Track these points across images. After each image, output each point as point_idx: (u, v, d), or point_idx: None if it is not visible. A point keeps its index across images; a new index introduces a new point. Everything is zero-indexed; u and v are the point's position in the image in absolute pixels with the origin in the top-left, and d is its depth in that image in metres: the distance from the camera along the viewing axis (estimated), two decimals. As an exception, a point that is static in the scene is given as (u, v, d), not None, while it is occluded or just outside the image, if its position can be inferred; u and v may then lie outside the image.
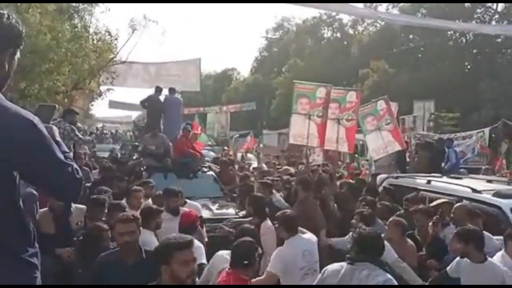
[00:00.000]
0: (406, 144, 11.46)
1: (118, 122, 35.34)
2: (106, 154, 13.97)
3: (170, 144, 9.46)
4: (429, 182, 6.60)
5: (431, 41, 30.54)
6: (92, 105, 25.16)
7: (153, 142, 9.36)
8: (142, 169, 9.01)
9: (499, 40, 27.18)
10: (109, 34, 15.76)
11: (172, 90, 11.30)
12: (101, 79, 15.91)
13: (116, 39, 15.96)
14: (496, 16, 31.17)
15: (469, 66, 32.08)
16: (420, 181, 6.90)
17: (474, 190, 5.64)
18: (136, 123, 28.94)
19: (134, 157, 10.81)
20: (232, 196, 8.80)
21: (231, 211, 7.79)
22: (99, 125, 32.00)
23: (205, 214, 7.26)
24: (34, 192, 4.35)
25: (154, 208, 4.93)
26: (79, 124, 15.04)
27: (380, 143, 9.34)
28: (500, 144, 12.90)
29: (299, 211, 5.24)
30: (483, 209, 5.18)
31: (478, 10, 31.83)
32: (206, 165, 10.16)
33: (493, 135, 13.46)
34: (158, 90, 11.05)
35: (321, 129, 9.46)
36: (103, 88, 17.55)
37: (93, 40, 15.33)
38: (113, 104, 23.48)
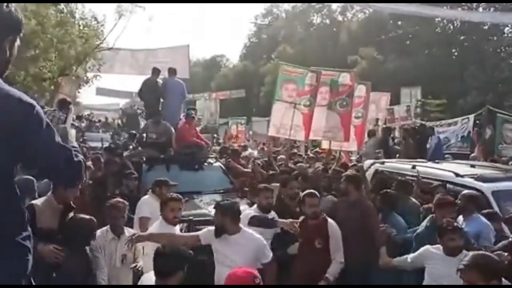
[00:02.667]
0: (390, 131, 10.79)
1: (106, 109, 35.01)
2: (96, 144, 13.66)
3: (173, 132, 8.48)
4: (413, 167, 6.71)
5: (419, 28, 30.64)
6: (79, 92, 24.84)
7: (155, 129, 8.39)
8: (142, 160, 7.92)
9: (485, 27, 27.40)
10: (96, 20, 15.60)
11: (172, 72, 9.92)
12: (88, 65, 15.75)
13: (102, 25, 15.80)
14: (483, 4, 31.35)
15: (456, 53, 32.31)
16: (405, 166, 7.01)
17: (457, 175, 5.77)
18: (124, 111, 28.79)
19: (131, 147, 9.87)
20: (244, 190, 7.51)
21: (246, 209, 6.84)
22: (87, 112, 31.63)
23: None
24: (31, 178, 4.43)
25: None
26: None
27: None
28: (484, 131, 13.06)
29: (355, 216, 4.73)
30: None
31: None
32: (212, 155, 9.08)
33: (477, 122, 13.63)
34: (156, 72, 9.88)
35: (307, 120, 8.35)
36: (90, 74, 17.38)
37: (79, 26, 15.15)
38: (100, 91, 23.27)
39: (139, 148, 8.77)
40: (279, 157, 9.65)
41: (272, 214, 4.81)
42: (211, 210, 6.25)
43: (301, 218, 4.58)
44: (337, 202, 5.43)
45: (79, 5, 15.49)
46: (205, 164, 8.23)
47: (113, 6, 16.08)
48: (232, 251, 3.77)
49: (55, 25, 12.58)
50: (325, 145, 9.58)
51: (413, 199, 5.60)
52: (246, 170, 8.44)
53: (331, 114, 8.26)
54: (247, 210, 4.33)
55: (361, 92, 8.72)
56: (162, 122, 8.47)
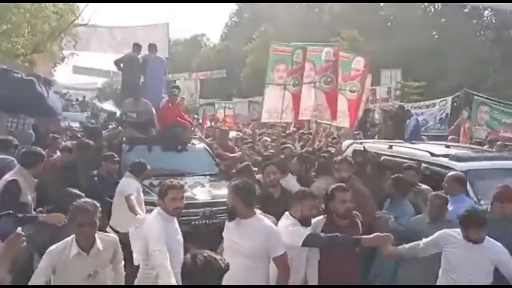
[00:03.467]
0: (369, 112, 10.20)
1: (83, 88, 34.31)
2: (74, 124, 13.30)
3: (154, 111, 8.11)
4: (390, 147, 6.78)
5: (400, 10, 30.70)
6: (54, 70, 24.24)
7: (134, 108, 7.97)
8: (122, 141, 7.62)
9: (466, 10, 27.62)
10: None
11: (152, 48, 9.33)
12: (63, 42, 15.31)
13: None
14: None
15: (436, 36, 32.54)
16: (383, 146, 7.08)
17: (432, 154, 5.86)
18: (101, 90, 28.29)
19: (110, 127, 9.45)
20: (230, 173, 7.01)
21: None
22: (64, 91, 30.92)
23: (201, 195, 6.29)
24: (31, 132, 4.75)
25: None
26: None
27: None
28: (461, 113, 13.28)
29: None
30: (441, 172, 5.39)
31: (447, -20, 32.14)
32: (196, 136, 8.69)
33: (455, 103, 13.86)
34: (137, 48, 9.33)
35: (296, 101, 7.88)
36: (66, 52, 16.92)
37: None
38: (77, 70, 22.68)
39: (119, 128, 8.40)
40: (262, 139, 9.30)
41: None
42: (195, 193, 6.26)
43: (322, 216, 3.98)
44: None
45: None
46: (189, 145, 7.91)
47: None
48: (239, 235, 3.45)
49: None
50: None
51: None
52: (234, 155, 7.95)
53: (317, 92, 7.80)
54: (283, 221, 3.74)
55: (358, 65, 8.02)
56: (142, 100, 8.06)
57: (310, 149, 7.49)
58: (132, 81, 8.88)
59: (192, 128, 8.92)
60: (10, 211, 3.99)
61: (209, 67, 36.41)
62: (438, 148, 6.48)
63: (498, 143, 9.72)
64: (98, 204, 3.32)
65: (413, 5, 30.84)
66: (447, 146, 6.76)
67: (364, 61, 8.12)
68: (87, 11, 15.91)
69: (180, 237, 3.85)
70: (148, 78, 8.96)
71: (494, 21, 26.51)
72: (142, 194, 5.41)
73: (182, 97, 9.42)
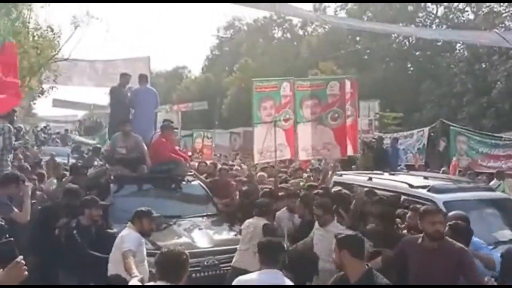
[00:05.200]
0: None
1: (64, 121, 34.01)
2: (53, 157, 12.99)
3: (145, 147, 7.49)
4: (370, 179, 6.88)
5: (376, 44, 31.61)
6: (34, 103, 24.04)
7: (123, 143, 7.35)
8: (109, 180, 6.93)
9: (439, 43, 28.58)
10: (51, 30, 15.15)
11: (143, 79, 8.73)
12: (43, 76, 15.26)
13: (59, 36, 15.36)
14: (437, 20, 32.75)
15: (411, 68, 33.49)
16: (362, 178, 7.18)
17: (411, 186, 5.97)
18: (81, 122, 28.05)
19: (96, 163, 8.98)
20: (230, 212, 6.77)
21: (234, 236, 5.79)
22: (43, 124, 30.55)
23: (201, 242, 5.56)
24: None
25: None
26: (20, 124, 14.32)
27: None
28: (438, 143, 13.60)
29: None
30: (419, 204, 5.47)
31: (420, 14, 33.32)
32: (191, 172, 7.95)
33: (432, 134, 14.19)
34: (125, 79, 8.68)
35: (290, 136, 7.52)
36: (45, 86, 16.82)
37: (34, 36, 14.67)
38: (57, 103, 22.55)
39: (107, 165, 7.72)
40: (259, 174, 8.83)
41: None
42: (195, 239, 5.57)
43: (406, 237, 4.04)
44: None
45: (33, 15, 15.04)
46: (183, 182, 7.32)
47: (69, 17, 15.74)
48: None
49: (7, 35, 12.09)
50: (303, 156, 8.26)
51: None
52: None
53: (323, 129, 7.39)
54: None
55: (333, 90, 7.68)
56: (132, 135, 7.47)
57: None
58: (121, 114, 8.36)
59: (188, 164, 8.27)
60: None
61: (190, 99, 36.58)
62: (416, 179, 6.61)
63: (468, 172, 10.01)
64: None
65: (388, 38, 31.83)
66: (426, 177, 6.89)
67: (339, 84, 7.66)
68: (67, 46, 15.91)
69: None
70: (138, 111, 8.35)
71: (466, 54, 27.48)
72: (145, 250, 4.67)
73: (175, 130, 8.60)
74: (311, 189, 6.41)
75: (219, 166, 9.39)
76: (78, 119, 31.84)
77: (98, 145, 11.88)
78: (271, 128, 7.34)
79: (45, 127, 29.95)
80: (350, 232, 4.26)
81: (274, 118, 7.37)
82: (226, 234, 5.99)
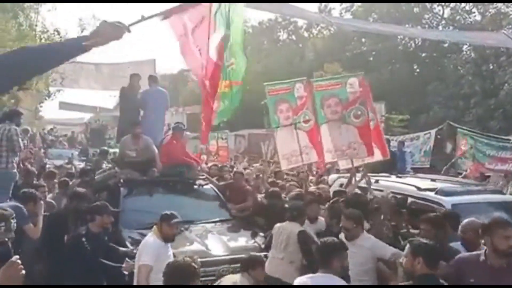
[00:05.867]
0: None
1: (71, 124, 34.14)
2: (60, 162, 12.90)
3: (156, 150, 7.29)
4: (377, 181, 6.83)
5: (382, 45, 31.51)
6: (41, 106, 24.17)
7: (133, 146, 7.12)
8: (119, 184, 6.70)
9: (445, 45, 28.44)
10: (58, 33, 15.23)
11: (153, 80, 8.58)
12: (50, 79, 15.35)
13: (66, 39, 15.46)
14: (443, 22, 32.59)
15: (418, 70, 33.35)
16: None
17: (418, 189, 5.92)
18: (88, 125, 28.10)
19: (104, 166, 8.78)
20: (243, 218, 6.61)
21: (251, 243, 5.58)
22: (50, 126, 30.66)
23: (216, 249, 5.32)
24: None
25: None
26: (26, 127, 14.36)
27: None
28: (445, 145, 13.51)
29: None
30: (427, 206, 5.44)
31: (426, 16, 33.19)
32: (203, 176, 7.68)
33: (439, 136, 14.09)
34: (135, 80, 8.49)
35: (313, 136, 7.35)
36: (52, 89, 16.91)
37: (40, 39, 14.77)
38: (63, 106, 22.69)
39: (116, 169, 7.49)
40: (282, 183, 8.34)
41: None
42: (209, 247, 5.29)
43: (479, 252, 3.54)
44: None
45: (40, 18, 15.17)
46: (195, 186, 7.07)
47: (75, 19, 15.82)
48: None
49: (15, 38, 12.19)
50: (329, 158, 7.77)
51: None
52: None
53: (347, 127, 7.06)
54: None
55: (352, 87, 7.35)
56: (142, 137, 7.24)
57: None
58: (131, 115, 8.14)
59: (199, 168, 8.00)
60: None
61: (195, 101, 36.60)
62: (424, 182, 6.56)
63: (477, 175, 9.89)
64: None
65: (394, 40, 31.72)
66: (433, 180, 6.84)
67: (358, 80, 7.41)
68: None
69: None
70: (149, 113, 8.15)
71: (473, 56, 27.31)
72: (169, 258, 4.25)
73: (186, 133, 8.27)
74: (339, 196, 6.12)
75: (235, 169, 9.32)
76: (84, 121, 31.94)
77: (105, 148, 11.80)
78: (292, 131, 7.20)
79: (51, 129, 30.06)
80: (382, 243, 4.28)
81: (293, 121, 7.26)
82: (242, 241, 5.72)
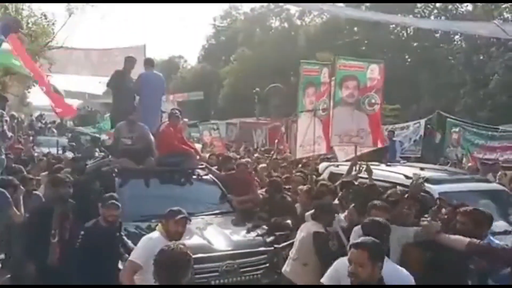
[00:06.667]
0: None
1: (59, 110, 33.72)
2: (50, 150, 12.57)
3: (152, 137, 6.91)
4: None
5: (374, 34, 31.48)
6: (28, 92, 23.85)
7: (128, 133, 6.70)
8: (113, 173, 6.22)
9: (437, 34, 28.49)
10: (45, 17, 14.99)
11: (148, 63, 8.18)
12: (37, 65, 15.11)
13: (53, 23, 15.21)
14: (435, 11, 32.58)
15: (409, 59, 33.41)
16: (358, 169, 7.11)
17: (406, 177, 5.92)
18: (77, 112, 27.78)
19: (97, 155, 8.45)
20: (247, 210, 6.22)
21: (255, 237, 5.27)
22: (37, 113, 30.30)
23: (219, 243, 4.92)
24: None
25: None
26: (13, 113, 14.18)
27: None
28: (434, 135, 13.58)
29: None
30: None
31: (419, 5, 33.16)
32: (202, 165, 7.15)
33: (428, 126, 14.15)
34: (129, 64, 8.05)
35: (326, 127, 7.00)
36: (40, 75, 16.64)
37: (27, 23, 14.51)
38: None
39: (109, 157, 7.06)
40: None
41: None
42: (211, 241, 4.90)
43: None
44: None
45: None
46: (194, 176, 6.64)
47: (63, 4, 15.56)
48: None
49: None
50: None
51: None
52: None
53: (359, 114, 6.76)
54: None
55: (373, 74, 6.95)
56: (137, 124, 6.83)
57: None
58: (125, 101, 7.69)
59: (198, 157, 7.51)
60: None
61: (186, 89, 36.42)
62: (412, 170, 6.57)
63: (469, 164, 9.91)
64: None
65: (386, 29, 31.70)
66: (422, 168, 6.85)
67: (379, 68, 7.07)
68: (61, 34, 15.65)
69: None
70: (144, 98, 7.72)
71: (464, 46, 27.39)
72: None
73: (184, 120, 7.78)
74: (347, 187, 5.69)
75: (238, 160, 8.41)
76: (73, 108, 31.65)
77: (96, 135, 11.48)
78: (311, 118, 6.97)
79: (40, 115, 29.69)
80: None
81: (314, 106, 7.04)
82: (245, 235, 5.32)
